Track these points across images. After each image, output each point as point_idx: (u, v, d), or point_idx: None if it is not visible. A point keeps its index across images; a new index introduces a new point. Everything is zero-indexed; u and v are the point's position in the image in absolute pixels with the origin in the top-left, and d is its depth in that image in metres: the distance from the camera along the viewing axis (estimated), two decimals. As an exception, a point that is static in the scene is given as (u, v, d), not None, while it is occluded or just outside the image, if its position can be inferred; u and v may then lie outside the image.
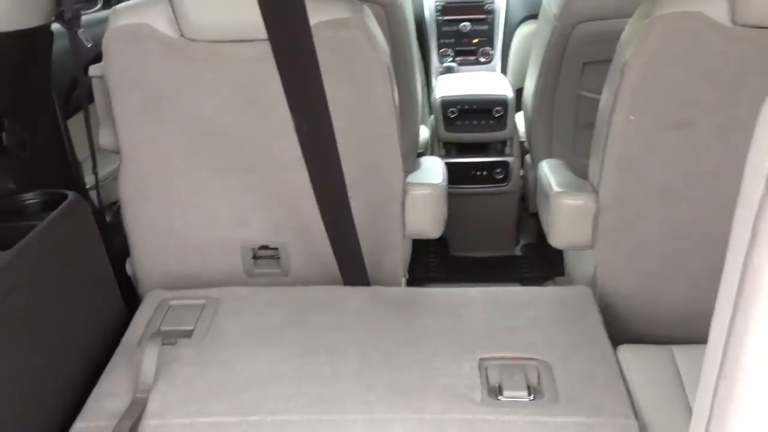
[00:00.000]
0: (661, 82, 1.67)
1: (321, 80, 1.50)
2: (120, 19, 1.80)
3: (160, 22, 1.79)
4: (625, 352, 1.63)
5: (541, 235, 3.11)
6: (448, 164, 2.17)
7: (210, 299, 1.87)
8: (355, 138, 1.80)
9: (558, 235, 1.89)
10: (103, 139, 1.97)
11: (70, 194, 1.73)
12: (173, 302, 1.86)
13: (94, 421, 1.51)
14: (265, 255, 2.04)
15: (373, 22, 1.82)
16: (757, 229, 0.84)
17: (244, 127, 1.89)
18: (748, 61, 1.62)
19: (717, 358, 0.99)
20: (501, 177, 2.93)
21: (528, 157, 2.98)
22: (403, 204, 1.95)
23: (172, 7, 1.76)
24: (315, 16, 1.61)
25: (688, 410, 1.46)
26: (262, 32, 1.63)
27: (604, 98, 1.79)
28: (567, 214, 1.85)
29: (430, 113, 3.12)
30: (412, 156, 2.55)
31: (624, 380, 1.55)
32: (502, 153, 2.96)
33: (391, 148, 1.89)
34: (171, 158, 1.93)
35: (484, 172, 2.93)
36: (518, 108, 3.00)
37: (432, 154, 2.97)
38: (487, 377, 1.56)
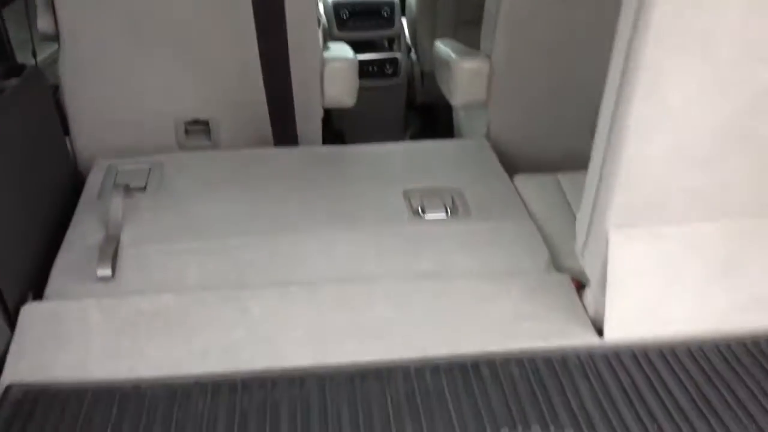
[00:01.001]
0: None
1: None
2: None
3: None
4: (520, 179, 1.99)
5: (424, 126, 3.46)
6: None
7: (154, 163, 2.08)
8: None
9: (458, 95, 2.23)
10: (42, 24, 2.12)
11: (29, 66, 1.88)
12: (121, 167, 2.06)
13: (75, 254, 1.71)
14: (196, 129, 2.27)
15: None
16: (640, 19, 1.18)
17: (179, 8, 2.09)
18: None
19: (610, 109, 1.33)
20: (391, 71, 3.23)
21: (413, 55, 3.30)
22: (321, 76, 2.21)
23: None
24: None
25: (571, 214, 1.83)
26: None
27: None
28: (465, 76, 2.19)
29: None
30: None
31: (521, 198, 1.91)
32: (390, 50, 3.27)
33: (311, 26, 2.16)
34: (109, 39, 2.12)
35: (376, 68, 3.22)
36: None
37: None
38: (410, 203, 1.88)
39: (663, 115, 1.28)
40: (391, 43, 3.28)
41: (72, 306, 1.55)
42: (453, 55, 2.25)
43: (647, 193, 1.37)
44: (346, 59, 2.27)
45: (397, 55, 3.24)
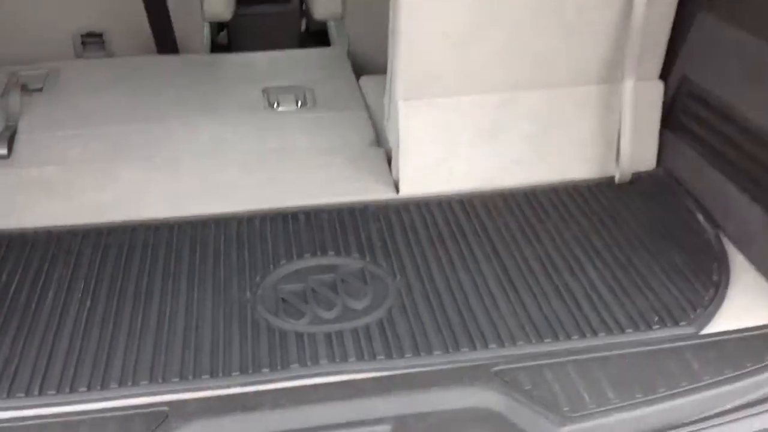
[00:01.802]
0: None
1: None
2: None
3: None
4: (364, 79, 2.35)
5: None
6: None
7: (52, 69, 2.39)
8: None
9: (318, 9, 2.55)
10: None
11: None
12: (22, 72, 2.36)
13: None
14: (92, 41, 2.58)
15: None
16: None
17: None
18: None
19: None
20: None
21: (306, -20, 3.60)
22: None
23: None
24: None
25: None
26: None
27: None
28: None
29: None
30: None
31: (362, 94, 2.27)
32: None
33: None
34: None
35: None
36: None
37: None
38: (268, 98, 2.23)
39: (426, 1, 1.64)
40: (283, -32, 3.55)
41: None
42: None
43: (424, 69, 1.74)
44: None
45: (288, -20, 3.52)
